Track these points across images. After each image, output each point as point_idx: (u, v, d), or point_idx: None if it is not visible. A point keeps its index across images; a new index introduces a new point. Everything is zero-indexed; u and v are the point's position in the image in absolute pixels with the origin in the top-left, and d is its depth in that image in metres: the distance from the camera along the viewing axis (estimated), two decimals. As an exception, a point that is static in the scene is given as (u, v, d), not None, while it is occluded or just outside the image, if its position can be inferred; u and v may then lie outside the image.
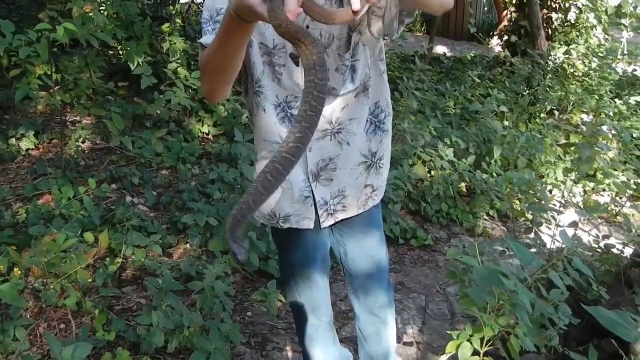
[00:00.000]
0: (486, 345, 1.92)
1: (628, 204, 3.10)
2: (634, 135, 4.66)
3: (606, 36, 7.01)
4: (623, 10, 7.77)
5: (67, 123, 4.45)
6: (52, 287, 2.15)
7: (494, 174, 4.22)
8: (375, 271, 1.91)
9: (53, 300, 2.46)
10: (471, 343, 1.91)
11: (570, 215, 2.91)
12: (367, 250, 1.89)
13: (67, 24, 2.75)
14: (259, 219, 1.84)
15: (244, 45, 1.31)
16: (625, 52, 7.55)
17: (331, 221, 1.78)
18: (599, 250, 2.58)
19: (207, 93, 1.52)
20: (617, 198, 3.21)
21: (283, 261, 2.01)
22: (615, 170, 3.82)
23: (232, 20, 1.16)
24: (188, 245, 3.28)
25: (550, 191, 4.28)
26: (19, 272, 2.40)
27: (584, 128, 3.81)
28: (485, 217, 4.14)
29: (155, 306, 2.46)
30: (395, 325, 2.11)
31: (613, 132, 3.28)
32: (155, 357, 2.41)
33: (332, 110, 1.61)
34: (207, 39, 1.45)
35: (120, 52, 4.97)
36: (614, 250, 2.53)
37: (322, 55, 1.13)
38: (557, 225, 2.67)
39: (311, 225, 1.76)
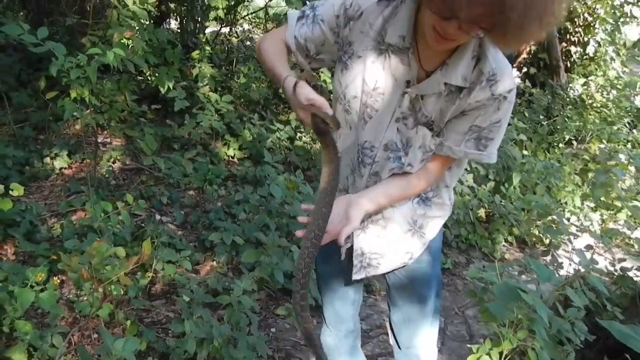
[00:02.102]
0: (504, 359, 2.00)
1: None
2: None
3: (624, 69, 7.10)
4: (642, 44, 7.90)
5: (99, 144, 4.63)
6: (92, 293, 2.27)
7: (513, 201, 4.30)
8: (416, 307, 1.88)
9: (87, 310, 2.59)
10: (490, 357, 1.99)
11: (586, 239, 2.99)
12: (411, 291, 1.86)
13: (116, 49, 2.92)
14: None
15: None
16: (644, 85, 7.63)
17: (362, 274, 1.77)
18: (615, 273, 2.65)
19: (256, 51, 1.67)
20: (632, 223, 3.28)
21: (320, 266, 2.00)
22: (634, 198, 3.89)
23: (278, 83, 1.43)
24: (215, 263, 3.40)
25: (569, 219, 4.35)
26: (57, 281, 2.53)
27: (603, 156, 3.89)
28: (503, 243, 4.21)
29: (184, 319, 2.57)
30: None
31: (626, 159, 3.35)
32: (184, 367, 2.51)
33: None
34: (293, 16, 1.58)
35: (149, 77, 5.17)
36: (630, 274, 2.60)
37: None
38: (573, 249, 2.74)
39: (342, 256, 1.76)
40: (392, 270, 1.80)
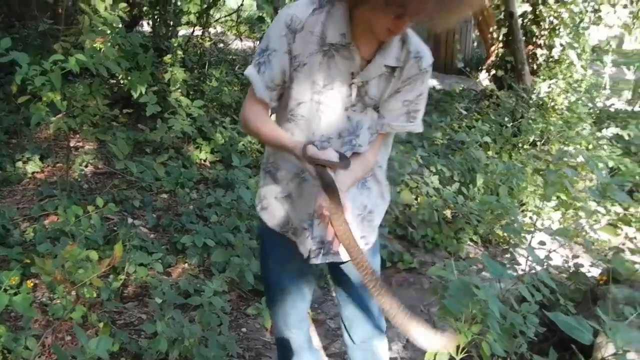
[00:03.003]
0: (461, 352, 2.11)
1: (595, 226, 3.32)
2: (610, 165, 4.94)
3: (584, 72, 7.33)
4: (605, 47, 8.14)
5: (71, 148, 4.66)
6: (65, 296, 2.33)
7: (477, 200, 4.44)
8: (364, 300, 1.98)
9: (60, 313, 2.64)
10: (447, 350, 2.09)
11: (544, 237, 3.12)
12: (358, 285, 1.96)
13: (78, 55, 2.98)
14: (272, 226, 1.89)
15: None
16: (607, 87, 7.88)
17: (320, 260, 1.86)
18: (570, 270, 2.79)
19: (245, 132, 1.84)
20: (587, 222, 3.43)
21: (273, 271, 2.01)
22: (592, 198, 4.04)
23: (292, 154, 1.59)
24: (186, 265, 3.47)
25: (531, 218, 4.50)
26: (30, 284, 2.58)
27: (557, 156, 4.06)
28: (469, 242, 4.34)
29: (156, 320, 2.64)
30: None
31: (581, 160, 3.52)
32: (156, 366, 2.58)
33: None
34: (253, 72, 1.65)
35: (122, 81, 5.21)
36: (583, 270, 2.74)
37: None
38: (530, 246, 2.87)
39: (306, 254, 1.85)
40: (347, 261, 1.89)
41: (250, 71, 1.66)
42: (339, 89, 1.63)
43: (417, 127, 1.75)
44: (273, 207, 1.89)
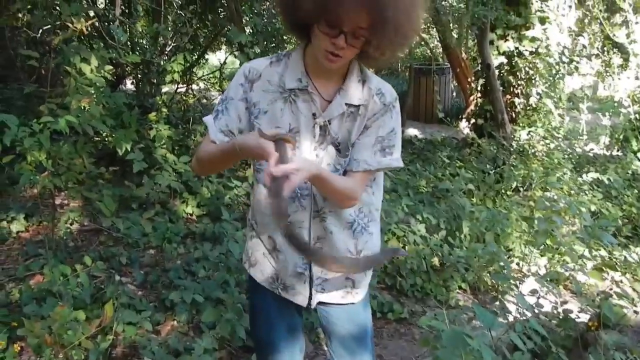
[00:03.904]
0: (457, 403, 2.09)
1: (584, 271, 3.35)
2: (592, 209, 5.02)
3: (561, 119, 7.53)
4: (580, 95, 8.37)
5: (56, 206, 4.64)
6: (53, 359, 2.29)
7: (464, 248, 4.46)
8: (358, 352, 1.97)
9: (47, 377, 2.58)
10: (443, 402, 2.08)
11: (533, 284, 3.14)
12: (350, 337, 1.97)
13: (68, 116, 3.02)
14: (261, 282, 1.90)
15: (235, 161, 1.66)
16: (585, 133, 8.06)
17: (319, 298, 1.87)
18: (559, 316, 2.80)
19: (198, 172, 1.92)
20: (574, 266, 3.46)
21: (264, 329, 1.98)
22: (576, 243, 4.09)
23: (234, 153, 1.62)
24: (175, 322, 3.42)
25: (518, 264, 4.53)
26: (18, 348, 2.54)
27: (541, 204, 4.11)
28: (458, 290, 4.34)
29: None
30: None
31: (564, 205, 3.58)
32: None
33: (318, 195, 1.76)
34: (209, 118, 1.75)
35: (106, 139, 5.24)
36: (572, 316, 2.75)
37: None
38: (521, 294, 2.89)
39: (305, 302, 1.87)
40: (337, 304, 1.91)
41: (207, 118, 1.77)
42: (305, 130, 1.71)
43: (397, 161, 1.79)
44: (261, 264, 1.91)
